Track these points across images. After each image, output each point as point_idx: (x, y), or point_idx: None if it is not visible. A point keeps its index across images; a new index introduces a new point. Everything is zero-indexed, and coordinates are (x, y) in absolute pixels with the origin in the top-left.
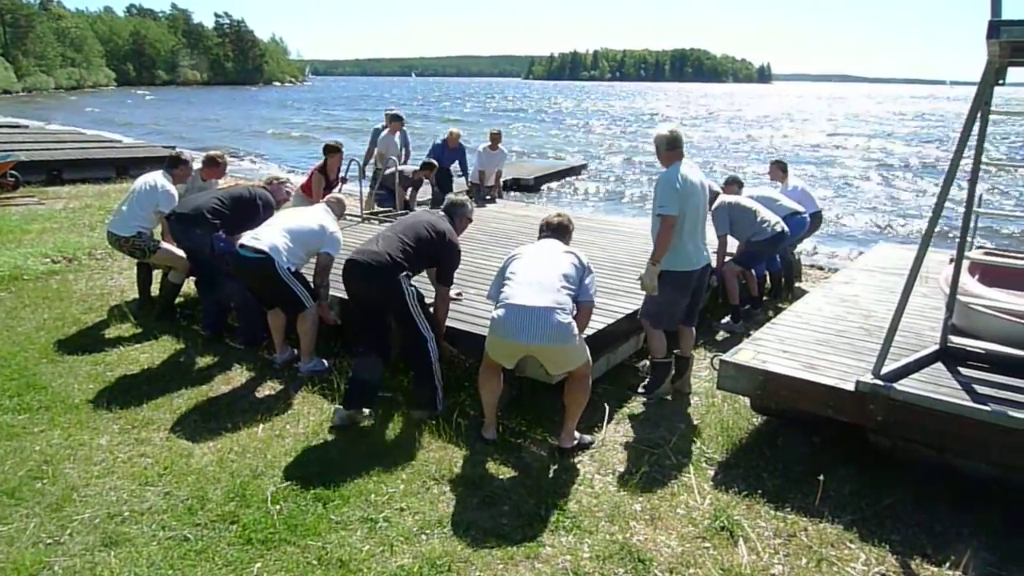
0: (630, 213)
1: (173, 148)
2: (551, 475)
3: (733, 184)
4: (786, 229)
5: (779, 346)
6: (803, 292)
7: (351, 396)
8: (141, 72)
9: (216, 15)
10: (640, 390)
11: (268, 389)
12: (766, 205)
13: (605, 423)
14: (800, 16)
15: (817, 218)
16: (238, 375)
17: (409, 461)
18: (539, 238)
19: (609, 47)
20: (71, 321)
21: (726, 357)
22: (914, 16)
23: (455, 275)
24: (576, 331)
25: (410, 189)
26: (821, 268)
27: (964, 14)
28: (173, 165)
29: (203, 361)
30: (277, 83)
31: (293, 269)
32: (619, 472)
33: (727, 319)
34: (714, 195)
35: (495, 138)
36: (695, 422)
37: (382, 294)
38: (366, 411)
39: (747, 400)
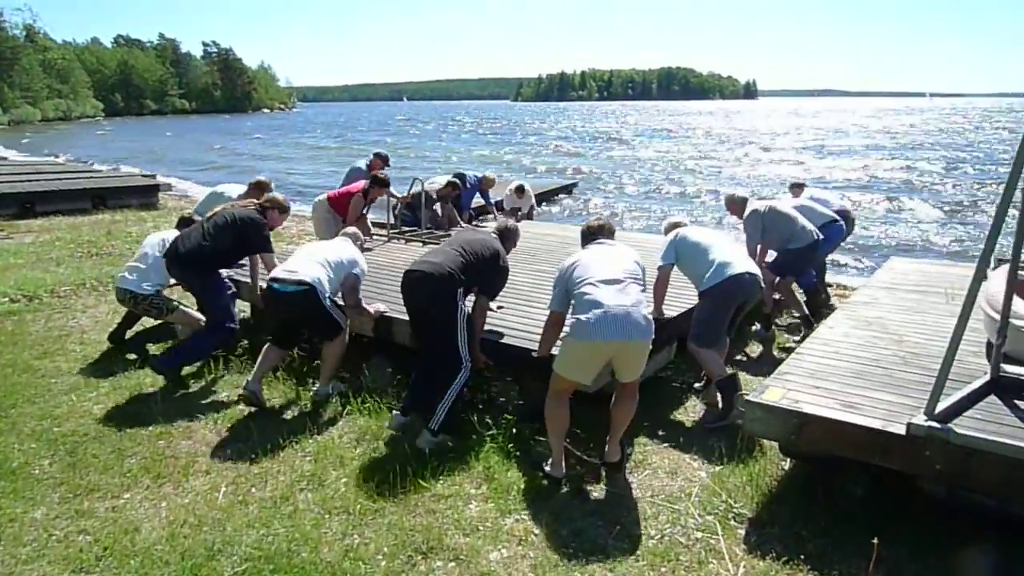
0: (629, 226)
1: (154, 176)
2: (559, 541)
3: (796, 187)
4: (821, 237)
5: (810, 381)
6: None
7: (411, 403)
8: (129, 102)
9: (204, 44)
10: (711, 422)
11: (232, 443)
12: (804, 213)
13: (624, 470)
14: (785, 33)
15: (849, 222)
16: (200, 427)
17: (392, 528)
18: (586, 244)
19: (597, 67)
20: (22, 368)
21: (753, 398)
22: (894, 30)
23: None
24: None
25: (437, 205)
26: (829, 285)
27: (941, 28)
28: (185, 225)
29: (162, 413)
30: (266, 110)
31: (331, 299)
32: (635, 536)
33: (758, 326)
34: (743, 202)
35: (520, 190)
36: (716, 468)
37: (435, 306)
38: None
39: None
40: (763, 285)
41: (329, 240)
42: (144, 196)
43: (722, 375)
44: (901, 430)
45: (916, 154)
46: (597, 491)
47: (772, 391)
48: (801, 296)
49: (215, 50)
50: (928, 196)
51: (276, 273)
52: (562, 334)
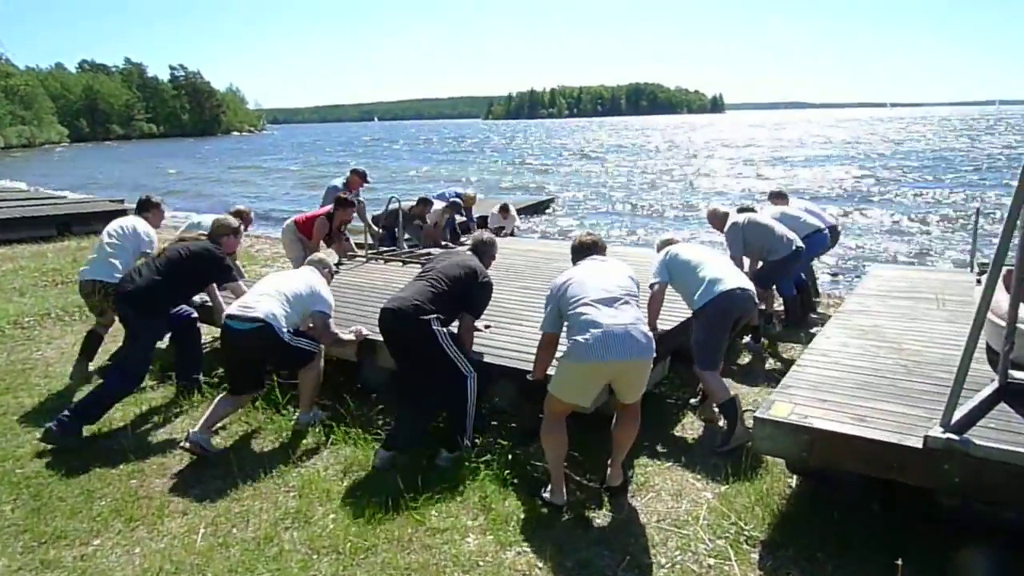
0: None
1: (122, 201)
2: (564, 574)
3: (777, 197)
4: (802, 247)
5: (815, 395)
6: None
7: (394, 437)
8: (95, 127)
9: (171, 67)
10: (721, 447)
11: (210, 480)
12: (786, 223)
13: (627, 494)
14: (750, 48)
15: (835, 234)
16: (175, 463)
17: (386, 567)
18: (577, 260)
19: (566, 84)
20: None
21: (760, 414)
22: (856, 43)
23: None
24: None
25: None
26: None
27: (901, 40)
28: (145, 208)
29: (133, 448)
30: (236, 133)
31: (289, 333)
32: (645, 565)
33: (748, 338)
34: (724, 216)
35: (504, 209)
36: (722, 488)
37: (415, 339)
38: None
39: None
40: (756, 301)
41: (295, 269)
42: (110, 220)
43: (724, 398)
44: (917, 443)
45: (876, 163)
46: (600, 518)
47: (779, 406)
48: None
49: (182, 73)
50: (887, 204)
51: (231, 310)
52: (557, 355)
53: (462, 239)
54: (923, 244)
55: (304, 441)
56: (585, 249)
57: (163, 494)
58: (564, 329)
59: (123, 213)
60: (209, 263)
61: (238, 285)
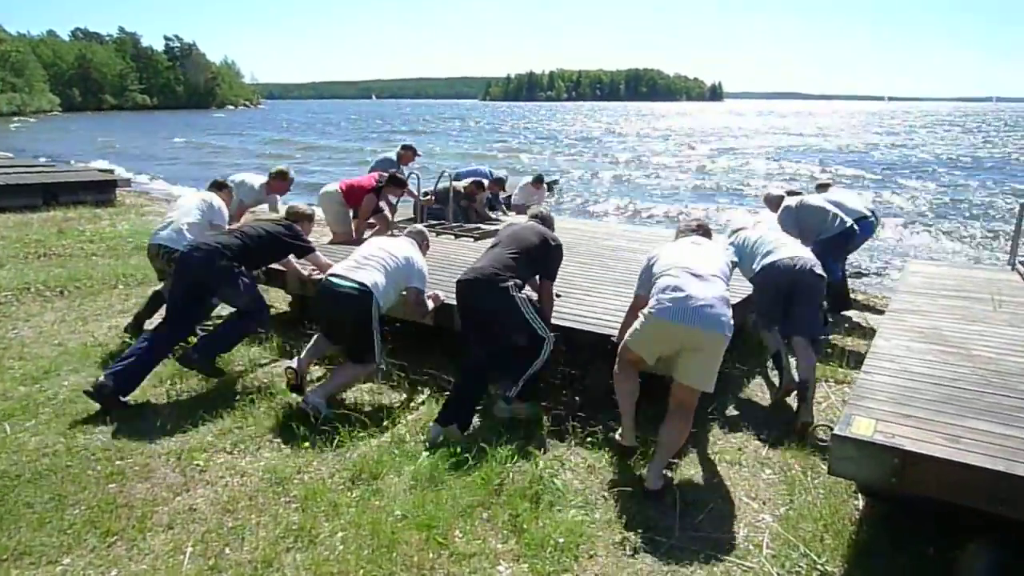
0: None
1: (112, 171)
2: None
3: (821, 187)
4: (855, 226)
5: (896, 409)
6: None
7: (448, 412)
8: (87, 97)
9: (166, 38)
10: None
11: (200, 485)
12: (837, 207)
13: (677, 520)
14: (751, 37)
15: (876, 221)
16: (160, 464)
17: None
18: (678, 238)
19: (565, 68)
20: None
21: (840, 431)
22: (856, 36)
23: None
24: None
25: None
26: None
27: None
28: (218, 188)
29: (114, 446)
30: (231, 107)
31: (383, 311)
32: None
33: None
34: (778, 199)
35: (538, 181)
36: (782, 510)
37: (495, 307)
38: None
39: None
40: (816, 270)
41: (396, 241)
42: (100, 192)
43: (774, 350)
44: None
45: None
46: (649, 544)
47: (860, 423)
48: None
49: (177, 44)
50: (897, 198)
51: (336, 269)
52: (641, 312)
53: (497, 215)
54: (939, 239)
55: (305, 444)
56: (690, 229)
57: (145, 502)
58: (653, 291)
59: (113, 184)
60: (287, 241)
61: (316, 256)
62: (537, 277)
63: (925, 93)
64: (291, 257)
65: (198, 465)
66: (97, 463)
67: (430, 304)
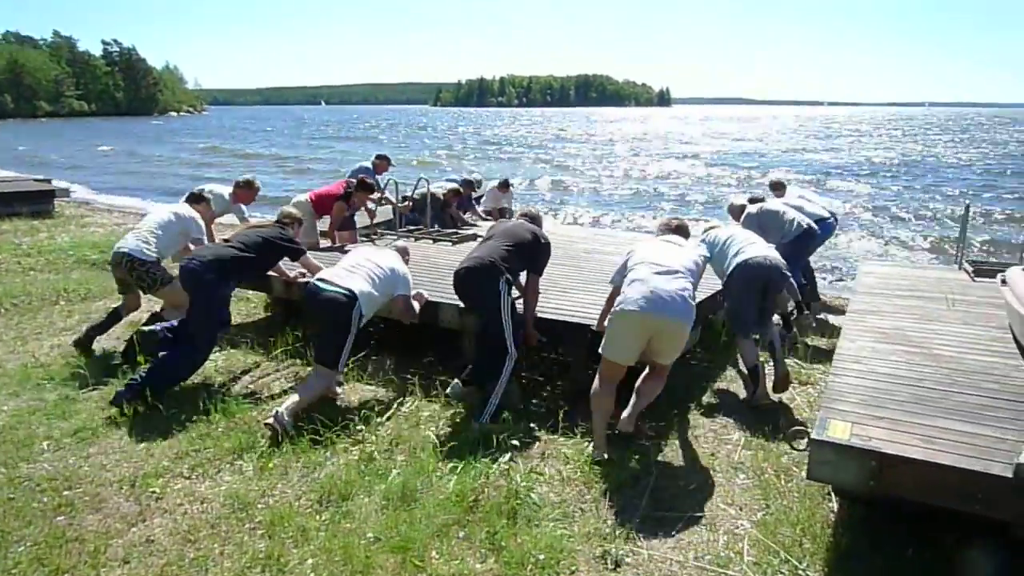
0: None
1: (49, 181)
2: None
3: (776, 186)
4: (814, 227)
5: (868, 411)
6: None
7: (472, 374)
8: (20, 103)
9: (104, 43)
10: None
11: (157, 513)
12: (796, 209)
13: (656, 530)
14: (698, 44)
15: (835, 221)
16: (113, 493)
17: None
18: (657, 236)
19: (516, 73)
20: None
21: (818, 435)
22: (798, 44)
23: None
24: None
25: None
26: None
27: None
28: (195, 200)
29: (61, 472)
30: (173, 113)
31: (364, 319)
32: None
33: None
34: (740, 207)
35: (505, 185)
36: (758, 515)
37: (482, 295)
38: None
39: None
40: (783, 270)
41: (382, 251)
42: (37, 203)
43: (751, 364)
44: (1004, 471)
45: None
46: (631, 555)
47: (835, 426)
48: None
49: (116, 49)
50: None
51: (323, 275)
52: (611, 311)
53: (473, 218)
54: (882, 239)
55: (270, 465)
56: (669, 228)
57: (98, 535)
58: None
59: (51, 194)
60: (282, 245)
61: (307, 259)
62: (528, 271)
63: (861, 98)
64: (284, 260)
65: (154, 492)
66: (43, 494)
67: (417, 307)
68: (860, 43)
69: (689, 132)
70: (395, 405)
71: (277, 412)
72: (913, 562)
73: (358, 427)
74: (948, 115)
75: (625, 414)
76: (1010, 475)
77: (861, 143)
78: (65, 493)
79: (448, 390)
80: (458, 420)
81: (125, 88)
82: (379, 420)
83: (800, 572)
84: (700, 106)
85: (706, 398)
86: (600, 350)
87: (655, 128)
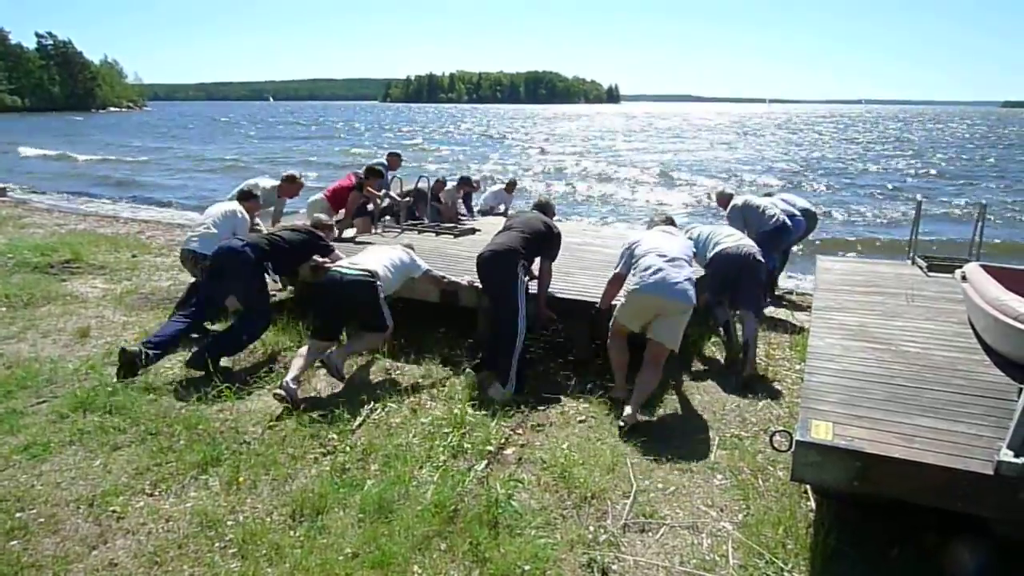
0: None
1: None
2: None
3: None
4: (788, 222)
5: (847, 410)
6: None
7: (486, 360)
8: None
9: (38, 35)
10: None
11: (118, 534)
12: (774, 206)
13: (638, 535)
14: (647, 41)
15: (813, 219)
16: (70, 514)
17: None
18: (651, 228)
19: (466, 69)
20: None
21: (801, 437)
22: (741, 43)
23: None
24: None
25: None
26: None
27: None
28: (245, 198)
29: (15, 492)
30: (113, 108)
31: (384, 296)
32: None
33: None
34: (728, 196)
35: (512, 186)
36: (740, 517)
37: (501, 277)
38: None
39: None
40: (758, 256)
41: (393, 247)
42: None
43: (723, 320)
44: (985, 469)
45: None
46: (616, 563)
47: (817, 426)
48: None
49: (51, 42)
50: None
51: (342, 262)
52: (625, 289)
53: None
54: (831, 233)
55: (238, 479)
56: (662, 221)
57: (56, 559)
58: (631, 272)
59: None
60: (321, 244)
61: (336, 255)
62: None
63: (800, 96)
64: (316, 256)
65: (114, 511)
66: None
67: (464, 281)
68: (802, 43)
69: (636, 127)
70: (365, 412)
71: (329, 355)
72: (897, 561)
73: (329, 436)
74: (883, 112)
75: (628, 410)
76: (991, 472)
77: (812, 136)
78: (18, 515)
79: (489, 391)
80: (431, 427)
81: (61, 83)
82: (350, 428)
83: (786, 574)
84: (648, 103)
85: (674, 397)
86: (615, 313)
87: (603, 124)
